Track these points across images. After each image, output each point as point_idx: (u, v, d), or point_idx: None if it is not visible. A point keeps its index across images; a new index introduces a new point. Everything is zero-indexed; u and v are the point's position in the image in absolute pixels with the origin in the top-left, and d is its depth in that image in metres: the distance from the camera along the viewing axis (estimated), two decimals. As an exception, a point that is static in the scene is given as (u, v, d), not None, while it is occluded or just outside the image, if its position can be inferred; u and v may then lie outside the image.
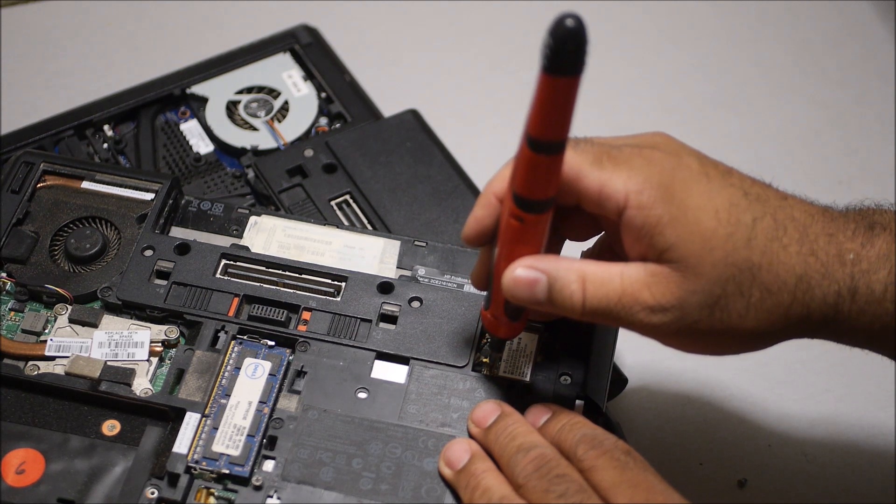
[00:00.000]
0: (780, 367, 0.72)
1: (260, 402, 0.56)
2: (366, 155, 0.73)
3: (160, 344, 0.59)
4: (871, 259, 0.50)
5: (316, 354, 0.58)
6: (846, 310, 0.50)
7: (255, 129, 0.76)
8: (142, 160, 0.75)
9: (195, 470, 0.55)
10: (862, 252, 0.50)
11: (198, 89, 0.78)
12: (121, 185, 0.65)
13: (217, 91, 0.78)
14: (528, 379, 0.58)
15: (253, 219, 0.65)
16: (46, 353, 0.58)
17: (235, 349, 0.58)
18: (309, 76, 0.79)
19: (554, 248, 0.56)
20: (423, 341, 0.59)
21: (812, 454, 0.69)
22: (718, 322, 0.50)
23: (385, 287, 0.60)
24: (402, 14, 0.91)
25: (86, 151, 0.75)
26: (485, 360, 0.58)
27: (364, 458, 0.55)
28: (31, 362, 0.58)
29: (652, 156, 0.50)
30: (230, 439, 0.55)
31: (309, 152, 0.73)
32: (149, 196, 0.65)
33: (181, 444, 0.55)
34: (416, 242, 0.63)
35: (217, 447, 0.55)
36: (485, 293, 0.56)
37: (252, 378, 0.57)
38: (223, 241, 0.63)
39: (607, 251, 0.56)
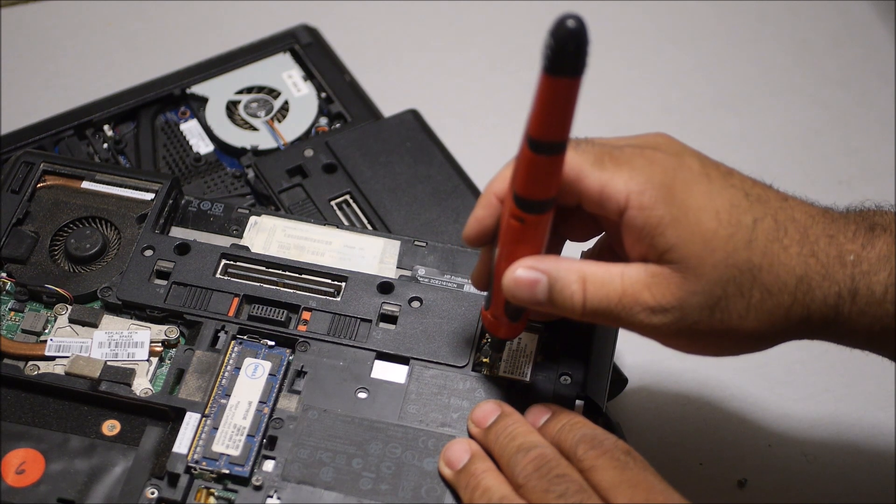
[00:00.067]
0: (780, 367, 0.72)
1: (260, 402, 0.56)
2: (366, 155, 0.73)
3: (160, 344, 0.59)
4: (872, 260, 0.50)
5: (316, 354, 0.58)
6: (846, 311, 0.50)
7: (255, 129, 0.76)
8: (142, 160, 0.75)
9: (195, 470, 0.55)
10: (862, 253, 0.50)
11: (198, 89, 0.78)
12: (121, 185, 0.65)
13: (217, 91, 0.78)
14: (528, 379, 0.58)
15: (253, 219, 0.65)
16: (46, 353, 0.58)
17: (235, 349, 0.58)
18: (309, 76, 0.79)
19: (554, 248, 0.56)
20: (423, 341, 0.59)
21: (812, 454, 0.69)
22: (719, 323, 0.50)
23: (385, 287, 0.60)
24: (402, 14, 0.91)
25: (86, 151, 0.75)
26: (485, 360, 0.58)
27: (364, 458, 0.55)
28: (31, 362, 0.58)
29: (653, 156, 0.50)
30: (230, 439, 0.55)
31: (309, 152, 0.73)
32: (149, 196, 0.65)
33: (181, 444, 0.55)
34: (416, 242, 0.63)
35: (217, 447, 0.55)
36: (485, 293, 0.56)
37: (252, 378, 0.57)
38: (223, 241, 0.63)
39: (607, 252, 0.56)
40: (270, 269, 0.61)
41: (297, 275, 0.61)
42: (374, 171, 0.72)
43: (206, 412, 0.56)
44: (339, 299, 0.60)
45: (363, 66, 0.82)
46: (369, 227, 0.69)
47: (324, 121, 0.77)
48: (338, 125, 0.77)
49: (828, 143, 0.85)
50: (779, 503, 0.67)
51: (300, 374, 0.58)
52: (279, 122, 0.77)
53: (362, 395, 0.57)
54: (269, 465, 0.55)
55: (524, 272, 0.51)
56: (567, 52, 0.43)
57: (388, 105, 0.78)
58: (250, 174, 0.73)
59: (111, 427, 0.57)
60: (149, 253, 0.61)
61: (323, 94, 0.78)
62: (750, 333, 0.50)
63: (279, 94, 0.78)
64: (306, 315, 0.60)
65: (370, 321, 0.59)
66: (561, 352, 0.59)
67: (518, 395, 0.57)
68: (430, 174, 0.72)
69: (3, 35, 0.87)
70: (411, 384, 0.57)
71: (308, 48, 0.80)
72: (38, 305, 0.61)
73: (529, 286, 0.51)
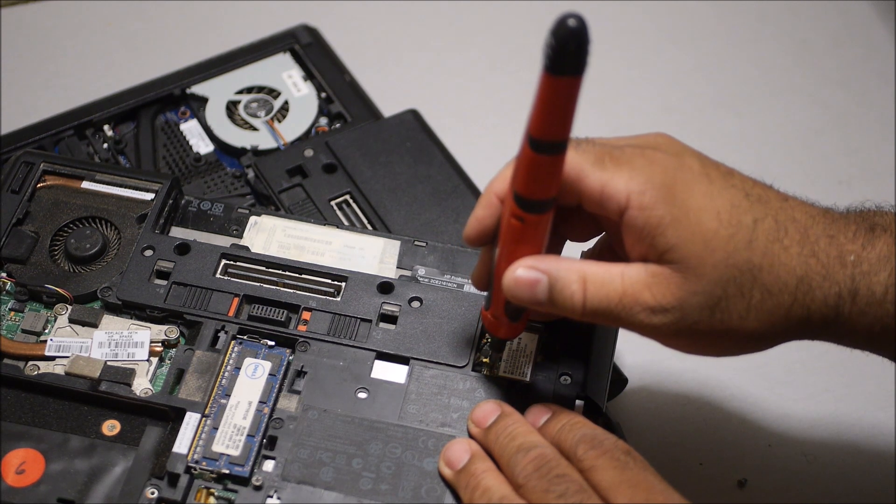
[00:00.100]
0: (780, 367, 0.72)
1: (260, 402, 0.56)
2: (366, 155, 0.73)
3: (160, 344, 0.59)
4: (872, 261, 0.50)
5: (316, 354, 0.58)
6: (847, 311, 0.50)
7: (255, 129, 0.76)
8: (142, 160, 0.75)
9: (195, 470, 0.55)
10: (863, 254, 0.50)
11: (198, 89, 0.78)
12: (121, 185, 0.65)
13: (217, 91, 0.78)
14: (528, 379, 0.58)
15: (253, 219, 0.65)
16: (46, 353, 0.58)
17: (235, 349, 0.58)
18: (309, 76, 0.79)
19: (555, 248, 0.56)
20: (423, 341, 0.59)
21: (812, 454, 0.69)
22: (719, 323, 0.50)
23: (385, 287, 0.60)
24: (402, 14, 0.91)
25: (86, 151, 0.75)
26: (485, 360, 0.58)
27: (364, 458, 0.55)
28: (31, 362, 0.58)
29: (654, 156, 0.50)
30: (230, 439, 0.55)
31: (309, 152, 0.73)
32: (149, 196, 0.65)
33: (181, 444, 0.55)
34: (416, 242, 0.63)
35: (217, 447, 0.55)
36: (485, 293, 0.56)
37: (252, 378, 0.57)
38: (223, 241, 0.63)
39: (608, 252, 0.56)
40: (270, 269, 0.61)
41: (297, 275, 0.61)
42: (374, 171, 0.72)
43: (206, 412, 0.56)
44: (339, 299, 0.60)
45: (363, 66, 0.82)
46: (369, 227, 0.69)
47: (324, 121, 0.77)
48: (338, 125, 0.77)
49: (828, 143, 0.85)
50: (779, 503, 0.67)
51: (300, 374, 0.58)
52: (279, 122, 0.77)
53: (362, 395, 0.57)
54: (269, 465, 0.55)
55: (524, 272, 0.51)
56: (568, 52, 0.43)
57: (388, 105, 0.78)
58: (250, 174, 0.73)
59: (111, 427, 0.57)
60: (149, 253, 0.61)
61: (323, 94, 0.78)
62: (750, 333, 0.50)
63: (279, 94, 0.78)
64: (306, 315, 0.60)
65: (370, 321, 0.59)
66: (561, 352, 0.59)
67: (518, 395, 0.57)
68: (430, 174, 0.72)
69: (3, 35, 0.87)
70: (411, 384, 0.57)
71: (308, 48, 0.80)
72: (38, 305, 0.61)
73: (530, 286, 0.51)
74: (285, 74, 0.79)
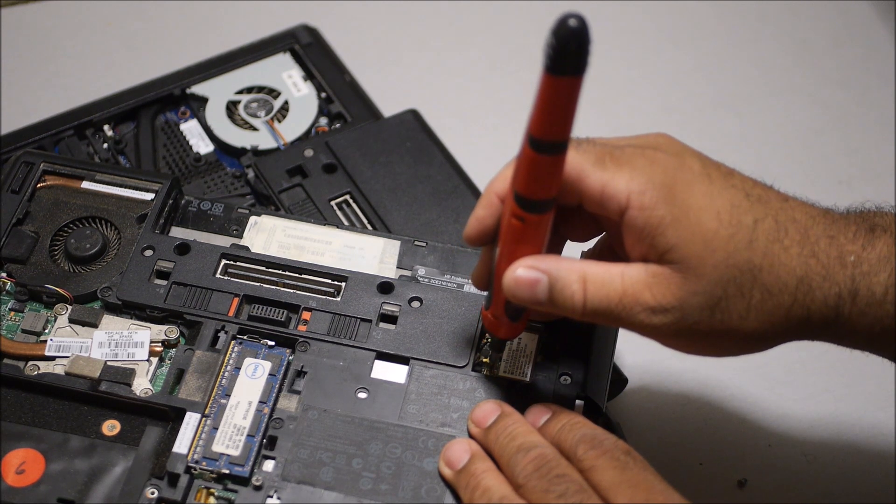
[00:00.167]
0: (780, 367, 0.72)
1: (260, 402, 0.56)
2: (366, 155, 0.73)
3: (160, 344, 0.59)
4: (872, 261, 0.50)
5: (316, 354, 0.58)
6: (847, 312, 0.50)
7: (255, 129, 0.76)
8: (142, 160, 0.75)
9: (195, 470, 0.55)
10: (863, 254, 0.50)
11: (198, 89, 0.78)
12: (121, 185, 0.65)
13: (217, 91, 0.78)
14: (528, 379, 0.58)
15: (253, 219, 0.65)
16: (46, 353, 0.58)
17: (235, 349, 0.58)
18: (309, 76, 0.79)
19: (555, 248, 0.56)
20: (423, 341, 0.59)
21: (812, 454, 0.69)
22: (719, 323, 0.50)
23: (385, 287, 0.60)
24: (402, 14, 0.91)
25: (86, 151, 0.75)
26: (485, 360, 0.58)
27: (364, 458, 0.55)
28: (31, 362, 0.58)
29: (654, 156, 0.50)
30: (230, 439, 0.55)
31: (309, 152, 0.73)
32: (149, 196, 0.65)
33: (181, 444, 0.55)
34: (416, 242, 0.63)
35: (217, 447, 0.55)
36: (485, 293, 0.56)
37: (252, 378, 0.57)
38: (223, 241, 0.63)
39: (608, 251, 0.56)
40: (270, 269, 0.61)
41: (297, 275, 0.61)
42: (374, 171, 0.72)
43: (206, 412, 0.56)
44: (339, 299, 0.60)
45: (363, 66, 0.82)
46: (369, 227, 0.69)
47: (324, 121, 0.77)
48: (338, 125, 0.77)
49: (828, 143, 0.85)
50: (779, 503, 0.67)
51: (300, 374, 0.58)
52: (279, 122, 0.77)
53: (362, 395, 0.57)
54: (269, 465, 0.55)
55: (525, 272, 0.51)
56: (569, 51, 0.43)
57: (388, 105, 0.78)
58: (250, 174, 0.73)
59: (111, 427, 0.57)
60: (149, 253, 0.61)
61: (323, 94, 0.78)
62: (750, 334, 0.50)
63: (279, 94, 0.78)
64: (306, 315, 0.60)
65: (370, 321, 0.59)
66: (561, 352, 0.59)
67: (518, 395, 0.57)
68: (430, 174, 0.72)
69: (3, 35, 0.87)
70: (411, 384, 0.57)
71: (308, 48, 0.80)
72: (38, 305, 0.61)
73: (530, 286, 0.51)
74: (285, 74, 0.79)
